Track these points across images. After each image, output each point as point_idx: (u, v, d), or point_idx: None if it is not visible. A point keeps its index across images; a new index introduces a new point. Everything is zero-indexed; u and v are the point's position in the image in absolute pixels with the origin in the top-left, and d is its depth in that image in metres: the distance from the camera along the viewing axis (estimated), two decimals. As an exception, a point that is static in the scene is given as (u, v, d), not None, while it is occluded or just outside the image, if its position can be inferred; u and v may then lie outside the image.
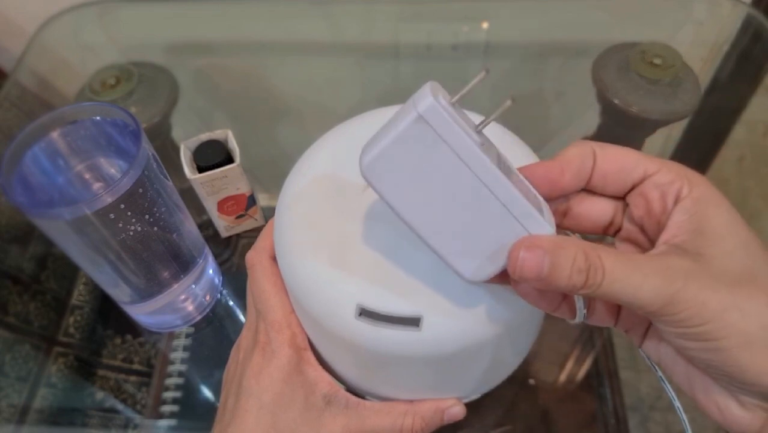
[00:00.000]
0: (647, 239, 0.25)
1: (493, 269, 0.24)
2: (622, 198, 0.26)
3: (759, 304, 0.21)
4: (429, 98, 0.21)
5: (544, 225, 0.23)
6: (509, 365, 0.34)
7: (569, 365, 0.45)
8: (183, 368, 0.46)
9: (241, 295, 0.48)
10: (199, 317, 0.46)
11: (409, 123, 0.22)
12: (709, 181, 0.24)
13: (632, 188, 0.25)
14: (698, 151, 0.60)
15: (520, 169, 0.25)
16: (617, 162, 0.25)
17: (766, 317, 0.21)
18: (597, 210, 0.26)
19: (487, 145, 0.23)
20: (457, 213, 0.23)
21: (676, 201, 0.23)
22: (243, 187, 0.46)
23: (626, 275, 0.21)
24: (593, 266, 0.21)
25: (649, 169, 0.24)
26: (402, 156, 0.22)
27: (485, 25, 0.65)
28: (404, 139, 0.22)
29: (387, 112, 0.33)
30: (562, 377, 0.44)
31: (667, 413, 0.42)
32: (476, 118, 0.24)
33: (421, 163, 0.22)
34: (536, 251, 0.22)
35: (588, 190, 0.26)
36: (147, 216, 0.36)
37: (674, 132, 0.58)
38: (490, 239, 0.23)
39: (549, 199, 0.25)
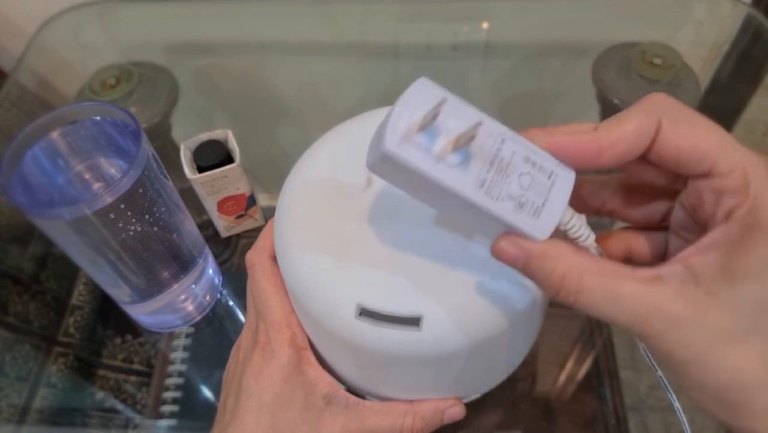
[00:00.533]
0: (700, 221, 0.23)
1: None
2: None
3: (733, 364, 0.20)
4: (384, 144, 0.21)
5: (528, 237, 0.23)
6: (509, 365, 0.34)
7: (569, 364, 0.45)
8: (183, 368, 0.46)
9: (241, 295, 0.48)
10: (199, 317, 0.46)
11: (378, 158, 0.22)
12: None
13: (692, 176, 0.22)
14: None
15: (548, 140, 0.22)
16: (680, 154, 0.21)
17: (727, 381, 0.20)
18: (650, 175, 0.23)
19: (468, 157, 0.22)
20: (456, 212, 0.23)
21: (727, 216, 0.20)
22: (243, 187, 0.46)
23: (603, 304, 0.21)
24: (566, 289, 0.21)
25: (717, 168, 0.20)
26: (391, 170, 0.23)
27: (485, 25, 0.65)
28: (382, 165, 0.22)
29: (387, 113, 0.33)
30: (562, 377, 0.44)
31: (666, 413, 0.42)
32: (473, 115, 0.23)
33: (408, 178, 0.22)
34: (516, 249, 0.22)
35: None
36: (147, 216, 0.36)
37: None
38: (491, 235, 0.24)
39: (580, 172, 0.23)
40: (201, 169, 0.44)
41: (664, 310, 0.20)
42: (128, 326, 0.47)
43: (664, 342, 0.20)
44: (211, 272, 0.46)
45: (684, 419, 0.29)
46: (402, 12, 0.66)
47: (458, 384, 0.32)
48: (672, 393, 0.31)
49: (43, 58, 0.64)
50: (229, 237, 0.51)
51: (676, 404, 0.29)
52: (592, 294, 0.21)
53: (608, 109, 0.52)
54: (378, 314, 0.27)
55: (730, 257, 0.20)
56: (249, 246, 0.34)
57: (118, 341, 0.48)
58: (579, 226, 0.24)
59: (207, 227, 0.50)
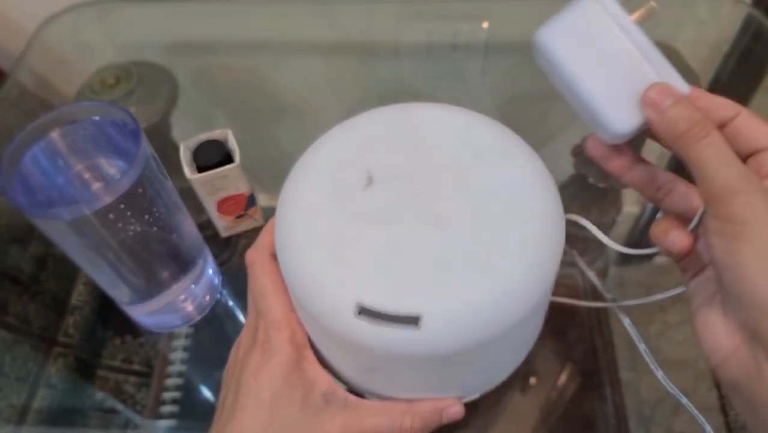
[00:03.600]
0: None
1: (638, 120, 0.27)
2: None
3: None
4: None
5: (683, 84, 0.27)
6: (509, 365, 0.34)
7: (569, 365, 0.45)
8: (183, 368, 0.46)
9: (240, 295, 0.48)
10: (198, 318, 0.46)
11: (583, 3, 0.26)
12: None
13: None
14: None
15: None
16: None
17: None
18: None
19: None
20: (614, 71, 0.27)
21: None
22: (242, 187, 0.46)
23: (710, 163, 0.25)
24: (702, 123, 0.25)
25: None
26: (573, 26, 0.27)
27: (485, 24, 0.65)
28: (578, 13, 0.26)
29: (387, 112, 0.33)
30: (563, 377, 0.44)
31: (668, 413, 0.42)
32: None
33: (588, 32, 0.27)
34: (667, 94, 0.26)
35: None
36: (146, 216, 0.36)
37: (675, 132, 0.57)
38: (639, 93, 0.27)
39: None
40: (201, 169, 0.44)
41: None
42: (128, 327, 0.47)
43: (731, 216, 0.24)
44: (210, 272, 0.46)
45: (697, 414, 0.29)
46: (402, 11, 0.66)
47: (457, 384, 0.32)
48: (677, 392, 0.31)
49: (42, 57, 0.64)
50: (229, 237, 0.51)
51: (684, 400, 0.29)
52: (709, 152, 0.25)
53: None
54: (377, 312, 0.27)
55: None
56: (249, 246, 0.33)
57: (117, 341, 0.47)
58: None
59: (207, 227, 0.50)
